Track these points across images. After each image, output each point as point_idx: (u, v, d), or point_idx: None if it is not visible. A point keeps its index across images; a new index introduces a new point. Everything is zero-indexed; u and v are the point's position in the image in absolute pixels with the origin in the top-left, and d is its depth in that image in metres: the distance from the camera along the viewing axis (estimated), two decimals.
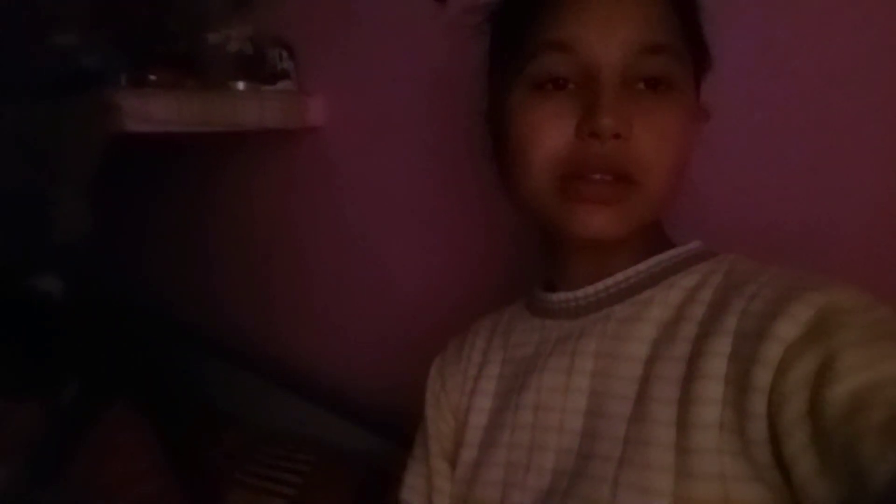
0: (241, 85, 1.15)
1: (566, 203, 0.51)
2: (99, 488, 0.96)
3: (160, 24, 1.24)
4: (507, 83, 0.54)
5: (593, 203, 0.50)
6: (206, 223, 1.39)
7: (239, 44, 1.18)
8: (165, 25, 1.24)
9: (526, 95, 0.52)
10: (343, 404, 1.07)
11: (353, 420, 1.03)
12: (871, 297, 0.47)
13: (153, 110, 0.97)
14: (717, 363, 0.46)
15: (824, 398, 0.39)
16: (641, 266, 0.56)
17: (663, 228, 0.59)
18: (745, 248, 0.56)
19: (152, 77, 1.11)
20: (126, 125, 0.94)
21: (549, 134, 0.50)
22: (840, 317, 0.43)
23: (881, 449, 0.35)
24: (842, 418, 0.38)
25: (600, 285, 0.56)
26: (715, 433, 0.45)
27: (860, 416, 0.37)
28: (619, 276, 0.56)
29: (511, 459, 0.56)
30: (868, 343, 0.42)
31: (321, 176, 1.16)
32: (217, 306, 1.38)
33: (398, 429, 0.88)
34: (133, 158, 1.14)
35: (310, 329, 1.20)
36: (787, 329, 0.43)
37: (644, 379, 0.50)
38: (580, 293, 0.57)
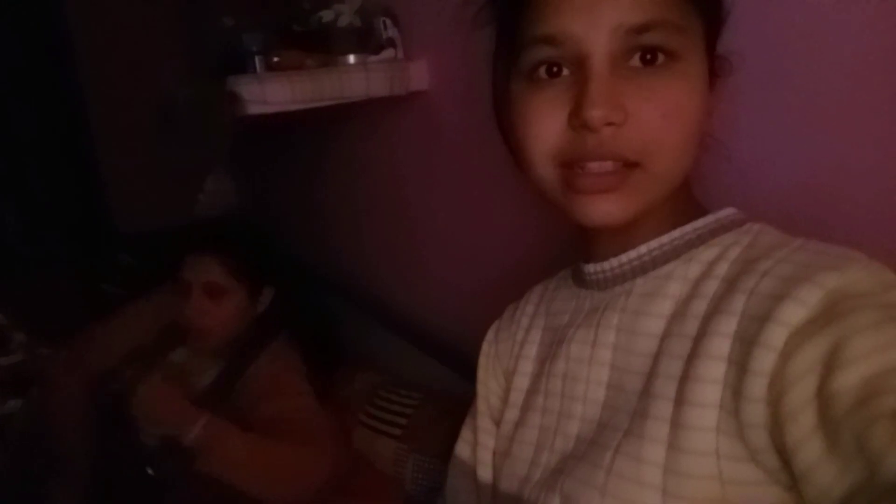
0: (351, 58, 1.22)
1: (568, 193, 0.52)
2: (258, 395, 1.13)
3: (294, 4, 1.34)
4: (507, 74, 0.54)
5: (594, 193, 0.50)
6: (332, 185, 1.52)
7: (349, 17, 1.25)
8: (299, 5, 1.34)
9: (522, 87, 0.52)
10: (446, 353, 1.15)
11: (454, 368, 1.10)
12: (894, 276, 0.43)
13: (269, 94, 1.08)
14: (721, 343, 0.46)
15: (833, 384, 0.38)
16: (665, 238, 0.55)
17: (693, 195, 0.57)
18: (781, 213, 0.53)
19: (276, 59, 1.23)
20: (247, 110, 1.07)
21: (544, 125, 0.51)
22: (852, 300, 0.41)
23: (894, 436, 0.34)
24: (852, 405, 0.37)
25: (623, 258, 0.56)
26: (713, 412, 0.45)
27: (872, 403, 0.36)
28: (642, 249, 0.55)
29: (544, 423, 0.59)
30: (881, 327, 0.40)
31: (425, 138, 1.22)
32: (349, 262, 1.52)
33: None
34: (255, 135, 1.29)
35: (420, 283, 1.28)
36: (793, 313, 0.42)
37: (657, 355, 0.51)
38: (606, 265, 0.58)
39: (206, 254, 1.19)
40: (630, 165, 0.49)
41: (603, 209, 0.51)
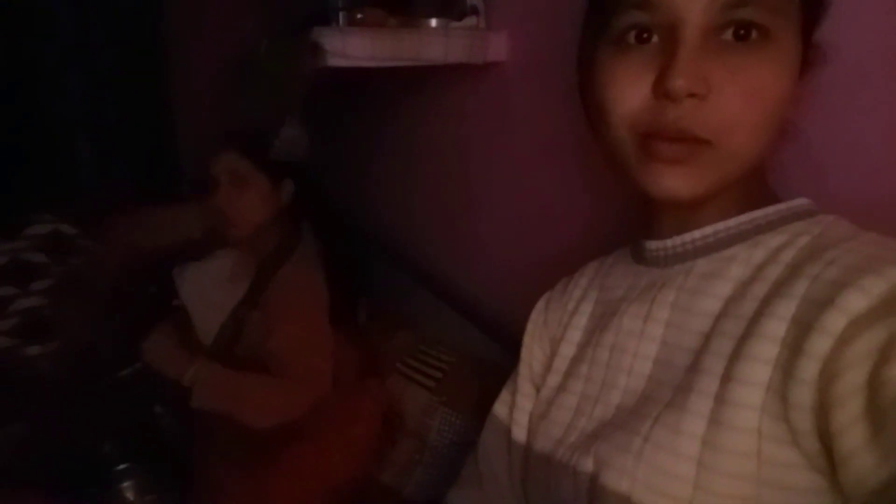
0: (433, 22, 1.23)
1: (642, 161, 0.52)
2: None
3: None
4: (594, 39, 0.55)
5: (666, 163, 0.51)
6: (392, 148, 1.54)
7: None
8: None
9: (608, 52, 0.53)
10: (488, 323, 1.17)
11: (494, 337, 1.12)
12: None
13: (350, 48, 1.10)
14: (777, 325, 0.47)
15: (886, 374, 0.39)
16: (732, 222, 0.55)
17: (766, 181, 0.57)
18: (852, 213, 0.52)
19: (360, 16, 1.25)
20: (327, 61, 1.09)
21: (627, 91, 0.51)
22: None
23: None
24: None
25: (686, 237, 0.57)
26: (760, 391, 0.46)
27: None
28: (708, 230, 0.56)
29: (585, 391, 0.61)
30: None
31: (494, 110, 1.23)
32: (401, 226, 1.54)
33: None
34: (330, 88, 1.31)
35: (469, 254, 1.30)
36: (855, 301, 0.43)
37: (709, 333, 0.52)
38: (668, 243, 0.58)
39: (228, 149, 1.30)
40: (702, 142, 0.49)
41: (672, 182, 0.51)
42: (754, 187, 0.56)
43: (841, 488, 0.43)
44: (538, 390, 0.68)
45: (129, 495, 1.04)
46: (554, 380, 0.65)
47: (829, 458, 0.43)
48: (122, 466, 1.07)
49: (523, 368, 0.71)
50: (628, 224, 0.92)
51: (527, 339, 0.73)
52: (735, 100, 0.48)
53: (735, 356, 0.48)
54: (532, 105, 1.15)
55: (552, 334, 0.70)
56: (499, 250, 1.23)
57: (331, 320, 1.22)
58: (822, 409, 0.42)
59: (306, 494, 1.01)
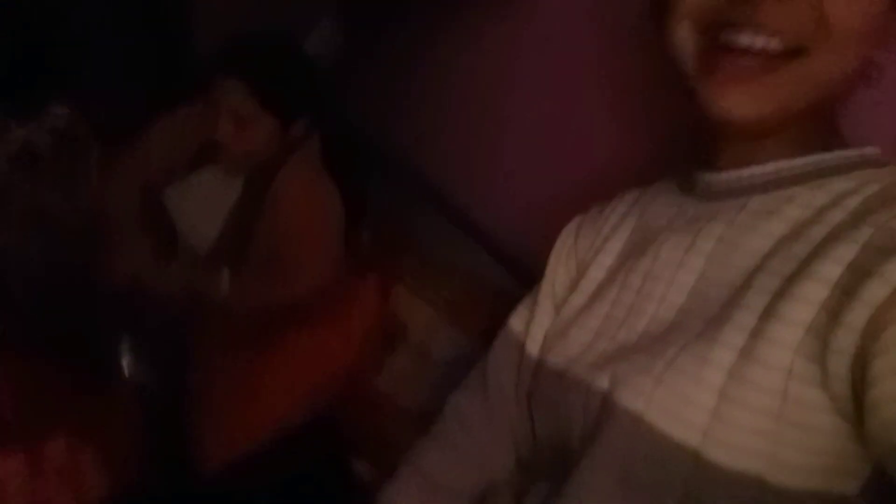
0: None
1: (702, 73, 0.49)
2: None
3: None
4: None
5: (732, 79, 0.47)
6: (423, 64, 1.49)
7: None
8: None
9: None
10: (499, 247, 1.15)
11: (507, 265, 1.11)
12: None
13: None
14: (831, 268, 0.45)
15: None
16: (797, 161, 0.53)
17: (836, 124, 0.54)
18: None
19: None
20: None
21: None
22: None
23: None
24: None
25: (745, 172, 0.55)
26: (799, 332, 0.45)
27: None
28: (769, 167, 0.53)
29: (611, 313, 0.60)
30: None
31: (532, 32, 1.17)
32: (419, 144, 1.50)
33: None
34: None
35: (492, 181, 1.27)
36: None
37: (754, 270, 0.50)
38: (724, 176, 0.56)
39: (234, 77, 1.13)
40: (783, 55, 0.45)
41: (736, 100, 0.48)
42: (823, 127, 0.53)
43: (863, 435, 0.43)
44: (558, 310, 0.67)
45: (123, 365, 1.04)
46: (578, 300, 0.64)
47: (856, 404, 0.42)
48: (119, 337, 1.07)
49: (546, 285, 0.70)
50: (661, 160, 0.90)
51: (553, 259, 0.71)
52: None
53: (780, 294, 0.47)
54: (568, 30, 1.10)
55: (581, 256, 0.68)
56: (523, 181, 1.20)
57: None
58: (862, 356, 0.41)
59: (300, 384, 1.01)
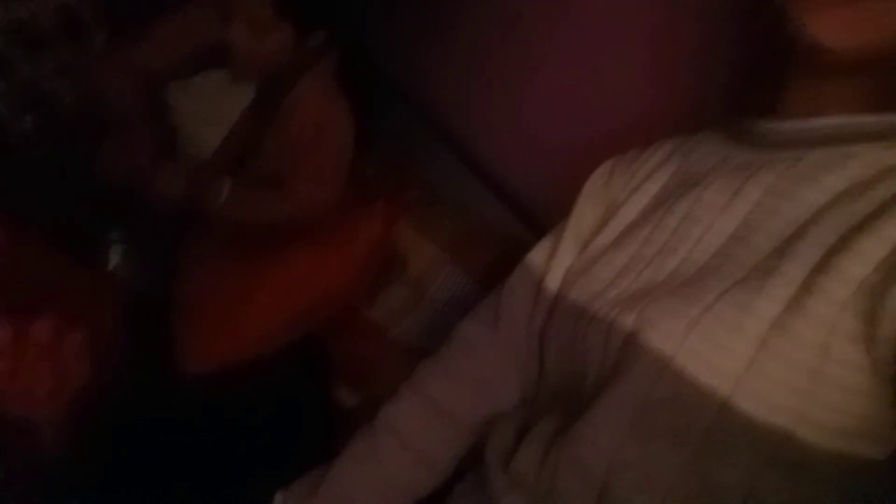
0: None
1: None
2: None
3: None
4: None
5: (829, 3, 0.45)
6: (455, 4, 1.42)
7: None
8: None
9: None
10: (510, 193, 1.12)
11: (518, 213, 1.09)
12: None
13: None
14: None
15: None
16: (867, 119, 0.50)
17: None
18: None
19: None
20: None
21: None
22: None
23: None
24: None
25: (808, 123, 0.52)
26: (850, 288, 0.44)
27: None
28: (834, 120, 0.51)
29: (640, 252, 0.58)
30: None
31: None
32: (436, 80, 1.44)
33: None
34: None
35: (510, 127, 1.23)
36: None
37: (806, 223, 0.48)
38: (786, 125, 0.54)
39: None
40: None
41: (832, 24, 0.46)
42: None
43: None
44: (581, 248, 0.65)
45: (112, 264, 1.00)
46: (605, 238, 0.62)
47: None
48: (111, 237, 1.03)
49: (572, 223, 0.67)
50: (692, 115, 0.88)
51: (581, 198, 0.69)
52: None
53: (835, 249, 0.45)
54: None
55: (613, 197, 0.66)
56: (544, 128, 1.16)
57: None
58: None
59: (294, 301, 0.98)
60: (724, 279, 0.50)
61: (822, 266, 0.45)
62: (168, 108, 1.21)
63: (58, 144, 1.14)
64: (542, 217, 1.07)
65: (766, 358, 0.45)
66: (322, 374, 1.05)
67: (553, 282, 0.64)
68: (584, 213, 0.68)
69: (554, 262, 0.65)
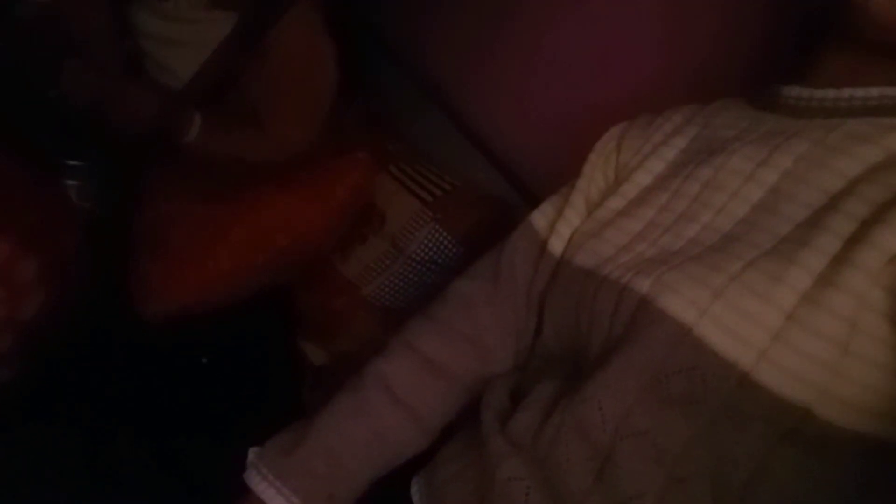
0: None
1: None
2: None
3: None
4: None
5: None
6: None
7: None
8: None
9: None
10: (501, 156, 1.09)
11: (505, 173, 1.05)
12: None
13: None
14: None
15: None
16: None
17: None
18: None
19: None
20: None
21: None
22: None
23: None
24: None
25: (844, 93, 0.51)
26: (881, 259, 0.43)
27: None
28: (872, 91, 0.50)
29: (655, 219, 0.56)
30: None
31: None
32: (426, 37, 1.39)
33: (537, 194, 0.91)
34: None
35: (507, 86, 1.19)
36: None
37: (840, 194, 0.47)
38: (819, 93, 0.52)
39: None
40: None
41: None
42: None
43: None
44: (588, 211, 0.63)
45: (71, 193, 0.92)
46: (617, 203, 0.60)
47: None
48: (72, 163, 0.94)
49: (581, 184, 0.65)
50: (708, 85, 0.86)
51: (591, 160, 0.66)
52: None
53: (872, 221, 0.44)
54: None
55: (624, 162, 0.64)
56: (543, 97, 1.11)
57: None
58: None
59: (265, 245, 0.92)
60: (751, 248, 0.48)
61: (856, 238, 0.44)
62: (136, 31, 1.11)
63: (17, 60, 1.03)
64: (531, 182, 1.03)
65: (793, 329, 0.43)
66: (289, 327, 1.00)
67: (558, 242, 0.61)
68: (594, 175, 0.65)
69: (560, 223, 0.62)
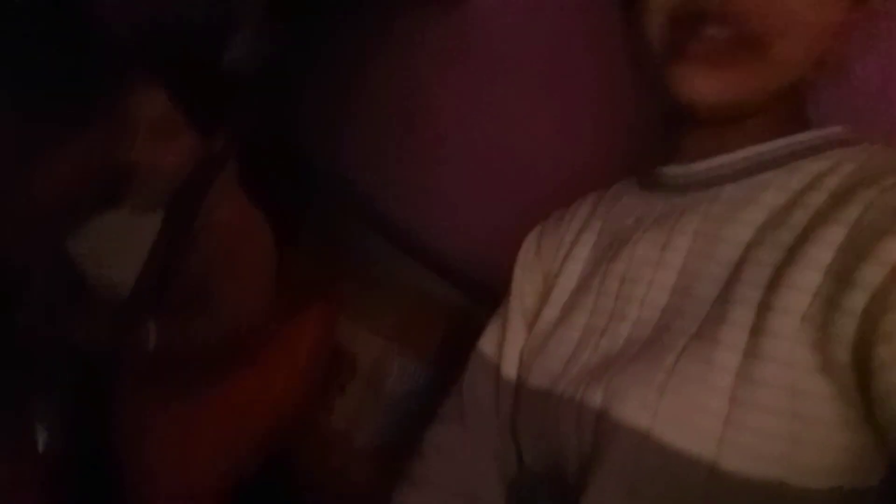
0: None
1: (671, 59, 0.49)
2: None
3: None
4: None
5: (699, 62, 0.48)
6: (360, 78, 1.43)
7: None
8: None
9: None
10: (446, 266, 1.11)
11: (456, 281, 1.07)
12: None
13: None
14: (822, 253, 0.44)
15: None
16: (766, 146, 0.52)
17: (803, 108, 0.54)
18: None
19: None
20: None
21: None
22: None
23: None
24: None
25: (714, 162, 0.54)
26: (796, 322, 0.44)
27: None
28: (739, 155, 0.53)
29: (590, 323, 0.57)
30: None
31: (471, 46, 1.15)
32: (352, 156, 1.44)
33: (492, 295, 0.92)
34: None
35: (430, 194, 1.23)
36: None
37: (740, 262, 0.49)
38: (692, 168, 0.55)
39: (153, 86, 0.98)
40: (751, 42, 0.47)
41: (705, 83, 0.48)
42: (791, 112, 0.53)
43: (875, 426, 0.42)
44: (530, 326, 0.64)
45: (42, 444, 0.91)
46: (551, 313, 0.61)
47: (864, 393, 0.41)
48: (37, 411, 0.94)
49: (514, 301, 0.66)
50: (613, 168, 0.90)
51: (517, 273, 0.68)
52: None
53: (773, 285, 0.46)
54: (507, 42, 1.09)
55: (546, 268, 0.66)
56: (463, 198, 1.16)
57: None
58: (865, 343, 0.40)
59: (246, 430, 0.92)
60: (680, 335, 0.49)
61: (766, 305, 0.45)
62: (72, 256, 1.14)
63: None
64: (482, 283, 1.05)
65: (740, 410, 0.44)
66: (295, 499, 0.98)
67: (510, 367, 0.62)
68: (524, 287, 0.67)
69: (506, 346, 0.64)
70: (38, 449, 0.87)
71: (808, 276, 0.44)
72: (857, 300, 0.41)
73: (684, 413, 0.46)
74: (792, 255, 0.46)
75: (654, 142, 0.61)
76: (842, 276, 0.42)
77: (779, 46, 0.46)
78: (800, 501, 0.44)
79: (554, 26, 1.01)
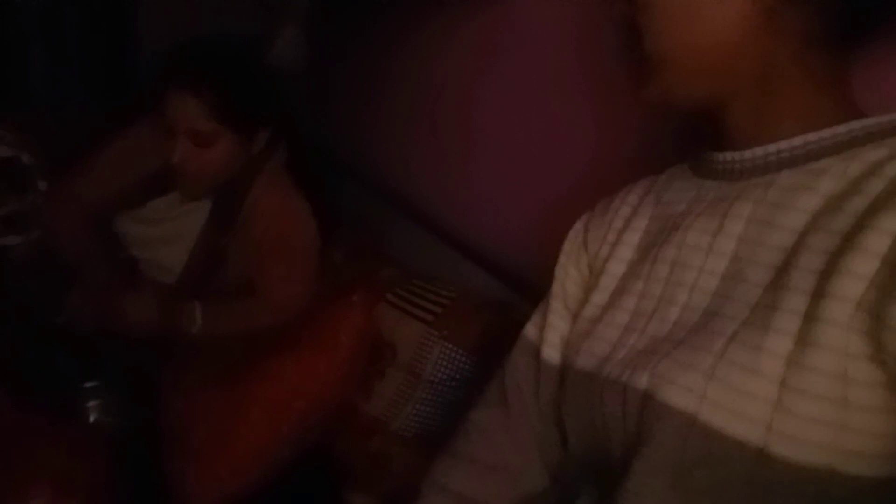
0: None
1: None
2: None
3: None
4: None
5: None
6: (393, 75, 1.44)
7: None
8: None
9: None
10: (487, 259, 1.12)
11: (495, 273, 1.08)
12: None
13: None
14: (880, 240, 0.43)
15: None
16: (825, 133, 0.51)
17: (847, 94, 0.53)
18: None
19: None
20: None
21: None
22: None
23: None
24: None
25: (770, 148, 0.53)
26: (850, 309, 0.43)
27: None
28: (797, 141, 0.52)
29: (639, 307, 0.57)
30: None
31: (506, 41, 1.15)
32: (389, 156, 1.45)
33: (532, 287, 0.92)
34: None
35: (468, 187, 1.23)
36: None
37: (794, 249, 0.48)
38: (748, 153, 0.54)
39: (189, 95, 1.04)
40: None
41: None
42: (836, 99, 0.52)
43: None
44: (572, 312, 0.64)
45: (92, 415, 0.95)
46: (600, 298, 0.61)
47: None
48: (89, 384, 0.98)
49: (556, 288, 0.66)
50: (648, 158, 0.89)
51: (562, 260, 0.68)
52: None
53: (828, 272, 0.45)
54: (544, 32, 1.08)
55: (593, 254, 0.66)
56: (499, 190, 1.15)
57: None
58: None
59: (287, 414, 0.94)
60: (730, 321, 0.48)
61: (820, 292, 0.44)
62: (124, 241, 1.18)
63: (19, 298, 1.09)
64: (521, 276, 1.06)
65: (791, 397, 0.44)
66: (333, 484, 1.00)
67: (552, 352, 0.63)
68: (567, 275, 0.67)
69: (548, 331, 0.64)
70: (88, 421, 0.91)
71: (865, 263, 0.43)
72: None
73: (732, 398, 0.45)
74: (848, 242, 0.44)
75: (696, 128, 0.61)
76: None
77: (680, 65, 0.53)
78: (846, 488, 0.43)
79: (588, 20, 1.00)
